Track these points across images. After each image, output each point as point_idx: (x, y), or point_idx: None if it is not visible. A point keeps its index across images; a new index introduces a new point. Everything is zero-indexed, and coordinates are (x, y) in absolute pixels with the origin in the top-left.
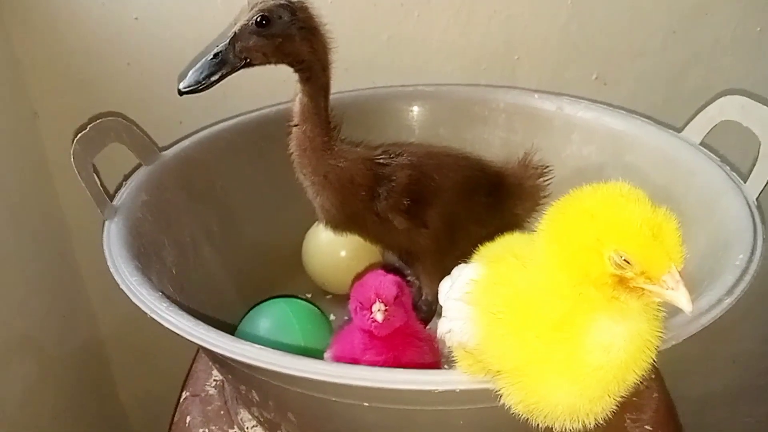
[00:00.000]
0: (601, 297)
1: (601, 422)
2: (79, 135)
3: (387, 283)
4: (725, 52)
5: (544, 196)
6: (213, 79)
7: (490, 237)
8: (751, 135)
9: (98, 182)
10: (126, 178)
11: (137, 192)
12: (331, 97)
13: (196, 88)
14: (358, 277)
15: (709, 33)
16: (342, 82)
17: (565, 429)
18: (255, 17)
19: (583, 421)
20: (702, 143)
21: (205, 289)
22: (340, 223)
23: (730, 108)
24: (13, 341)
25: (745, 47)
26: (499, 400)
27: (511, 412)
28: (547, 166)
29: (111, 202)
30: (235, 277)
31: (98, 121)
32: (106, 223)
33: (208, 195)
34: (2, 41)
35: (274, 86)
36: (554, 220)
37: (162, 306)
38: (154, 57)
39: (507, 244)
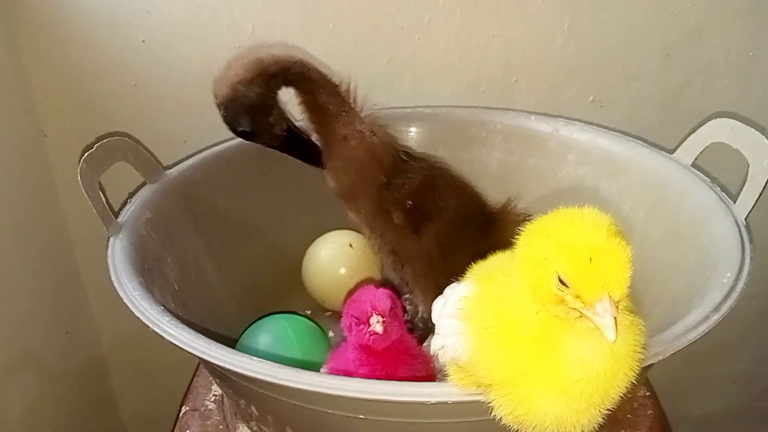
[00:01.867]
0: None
1: None
2: (86, 154)
3: (381, 296)
4: (719, 76)
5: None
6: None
7: (475, 261)
8: (742, 156)
9: (104, 200)
10: (131, 196)
11: (142, 209)
12: None
13: None
14: (350, 294)
15: (703, 57)
16: None
17: None
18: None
19: None
20: (694, 164)
21: (207, 305)
22: (342, 193)
23: (720, 130)
24: (15, 356)
25: (739, 71)
26: (491, 413)
27: (503, 425)
28: (529, 215)
29: (116, 219)
30: (236, 293)
31: (105, 140)
32: (111, 239)
33: (210, 213)
34: (13, 62)
35: None
36: (521, 239)
37: (164, 320)
38: (160, 78)
39: (497, 261)
